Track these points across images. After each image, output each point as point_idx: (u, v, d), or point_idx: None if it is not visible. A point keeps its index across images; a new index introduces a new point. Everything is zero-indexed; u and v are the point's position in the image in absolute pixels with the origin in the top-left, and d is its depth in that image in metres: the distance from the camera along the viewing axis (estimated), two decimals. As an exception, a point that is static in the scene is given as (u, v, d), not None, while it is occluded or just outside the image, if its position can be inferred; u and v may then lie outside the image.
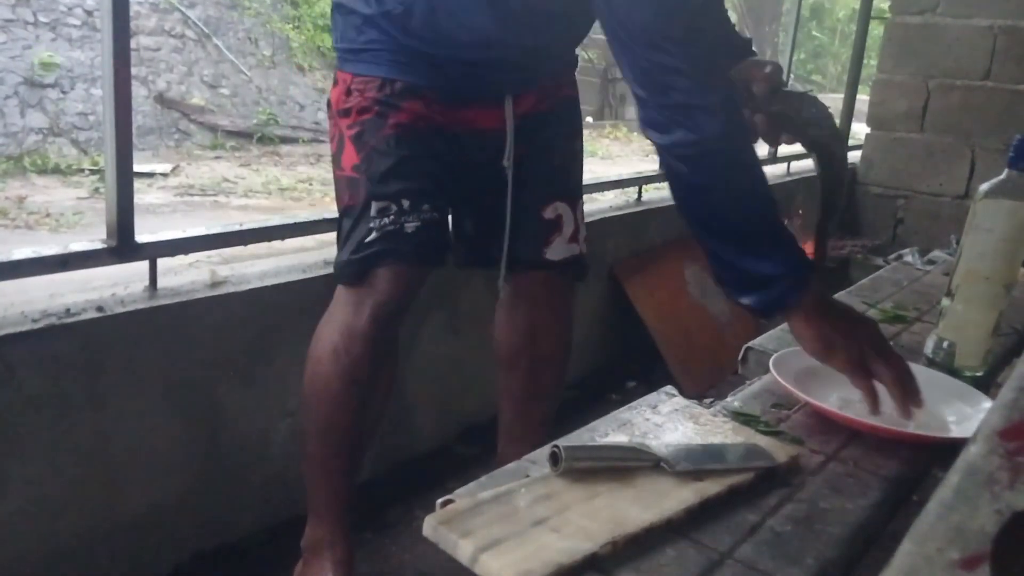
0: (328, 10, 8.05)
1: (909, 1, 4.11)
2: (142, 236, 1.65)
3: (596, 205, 2.91)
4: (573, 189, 1.64)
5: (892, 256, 3.87)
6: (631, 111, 14.09)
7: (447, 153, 1.46)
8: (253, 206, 5.70)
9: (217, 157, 7.14)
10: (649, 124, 1.11)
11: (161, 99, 7.43)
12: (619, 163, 9.23)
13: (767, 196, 1.12)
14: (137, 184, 1.65)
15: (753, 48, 1.37)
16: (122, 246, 1.61)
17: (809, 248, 1.32)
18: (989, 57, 3.94)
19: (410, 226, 1.39)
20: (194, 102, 7.63)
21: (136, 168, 1.65)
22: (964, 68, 4.00)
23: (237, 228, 1.84)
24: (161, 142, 7.21)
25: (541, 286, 1.62)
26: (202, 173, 6.50)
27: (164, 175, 6.21)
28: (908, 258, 3.82)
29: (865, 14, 4.45)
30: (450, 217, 1.55)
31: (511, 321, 1.66)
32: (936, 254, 3.69)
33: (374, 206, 1.39)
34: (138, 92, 7.09)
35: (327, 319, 1.47)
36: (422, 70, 1.40)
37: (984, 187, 1.32)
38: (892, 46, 4.18)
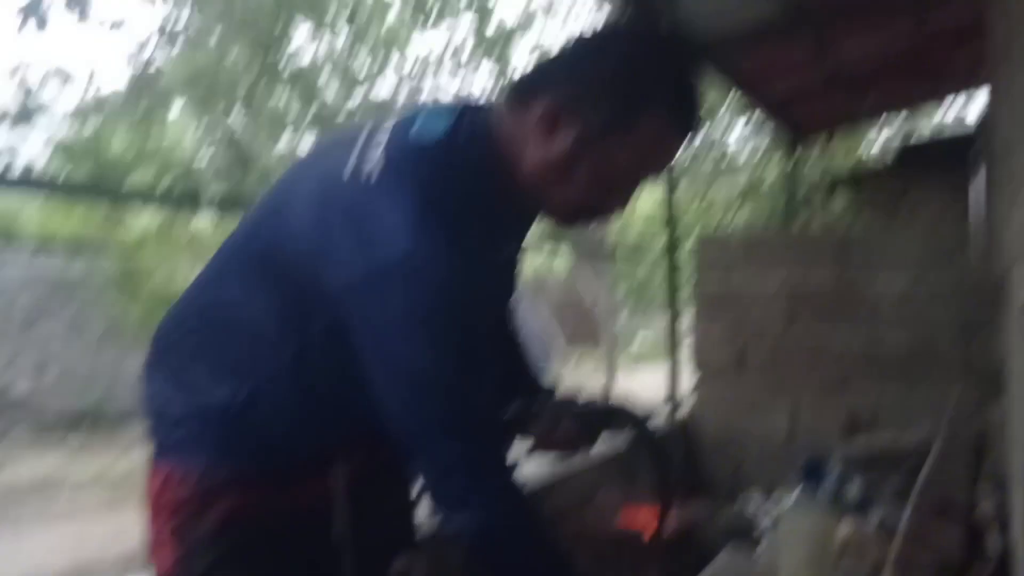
0: (160, 287, 7.95)
1: (708, 272, 4.55)
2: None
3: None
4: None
5: (737, 502, 4.03)
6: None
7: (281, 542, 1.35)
8: (80, 506, 5.30)
9: (42, 448, 6.69)
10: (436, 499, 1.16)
11: (-20, 392, 7.00)
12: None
13: None
14: None
15: (540, 383, 1.47)
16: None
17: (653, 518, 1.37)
18: (788, 314, 4.37)
19: None
20: (18, 392, 7.22)
21: None
22: (768, 326, 4.40)
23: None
24: (-22, 438, 6.71)
25: None
26: (24, 471, 6.05)
27: (-20, 479, 5.73)
28: (752, 503, 3.99)
29: (671, 276, 4.89)
30: None
31: None
32: (778, 494, 3.86)
33: None
34: (-47, 387, 6.67)
35: None
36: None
37: (785, 505, 1.43)
38: (702, 307, 4.58)
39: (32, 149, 11.37)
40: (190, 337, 1.31)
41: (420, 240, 1.09)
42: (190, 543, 1.28)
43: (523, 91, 1.22)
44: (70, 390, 7.61)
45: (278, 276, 1.22)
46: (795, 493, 1.48)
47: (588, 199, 1.21)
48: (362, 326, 1.14)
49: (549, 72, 1.21)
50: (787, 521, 1.37)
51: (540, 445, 1.38)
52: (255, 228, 1.30)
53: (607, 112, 1.14)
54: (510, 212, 1.29)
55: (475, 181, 1.20)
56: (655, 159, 1.21)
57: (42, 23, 9.78)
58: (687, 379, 4.69)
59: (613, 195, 1.22)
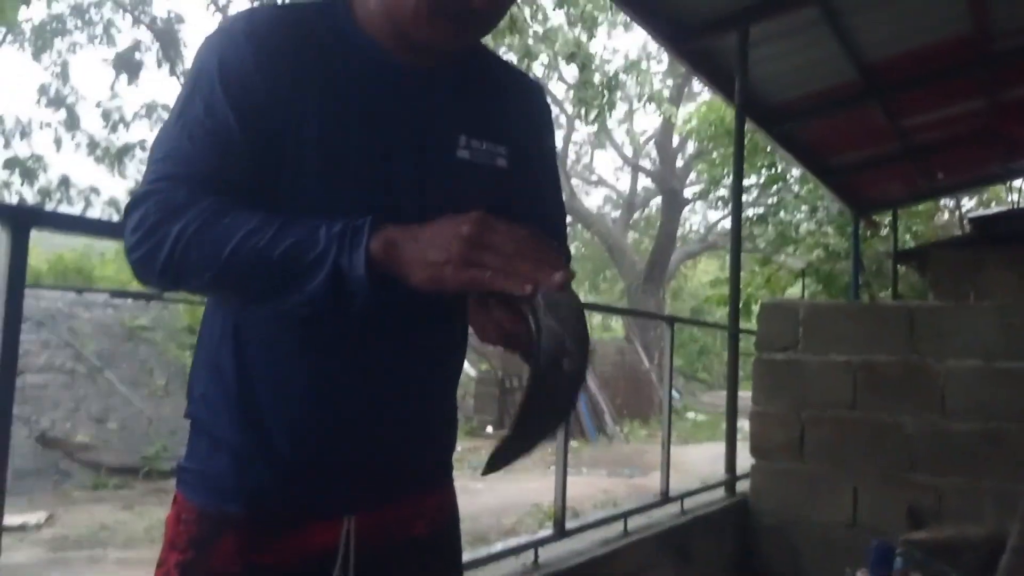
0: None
1: (772, 339, 4.44)
2: None
3: (488, 576, 2.80)
4: None
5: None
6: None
7: None
8: (134, 559, 5.33)
9: (98, 499, 6.78)
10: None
11: (43, 439, 7.16)
12: (522, 478, 9.15)
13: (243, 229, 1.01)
14: (6, 539, 1.49)
15: None
16: None
17: None
18: (852, 388, 4.22)
19: None
20: (78, 440, 7.37)
21: (7, 521, 1.51)
22: (830, 399, 4.26)
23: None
24: (38, 484, 6.83)
25: None
26: (79, 521, 6.13)
27: (37, 526, 5.81)
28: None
29: (733, 350, 4.78)
30: None
31: None
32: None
33: None
34: (19, 432, 6.82)
35: None
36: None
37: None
38: (762, 381, 4.45)
39: (119, 189, 11.95)
40: (192, 369, 1.28)
41: (223, 30, 1.13)
42: None
43: None
44: (129, 442, 7.73)
45: None
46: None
47: None
48: None
49: None
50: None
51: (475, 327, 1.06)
52: None
53: None
54: (397, 67, 1.17)
55: (326, 24, 1.15)
56: None
57: (134, 77, 10.29)
58: (745, 456, 4.55)
59: None
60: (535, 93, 1.34)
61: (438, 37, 1.12)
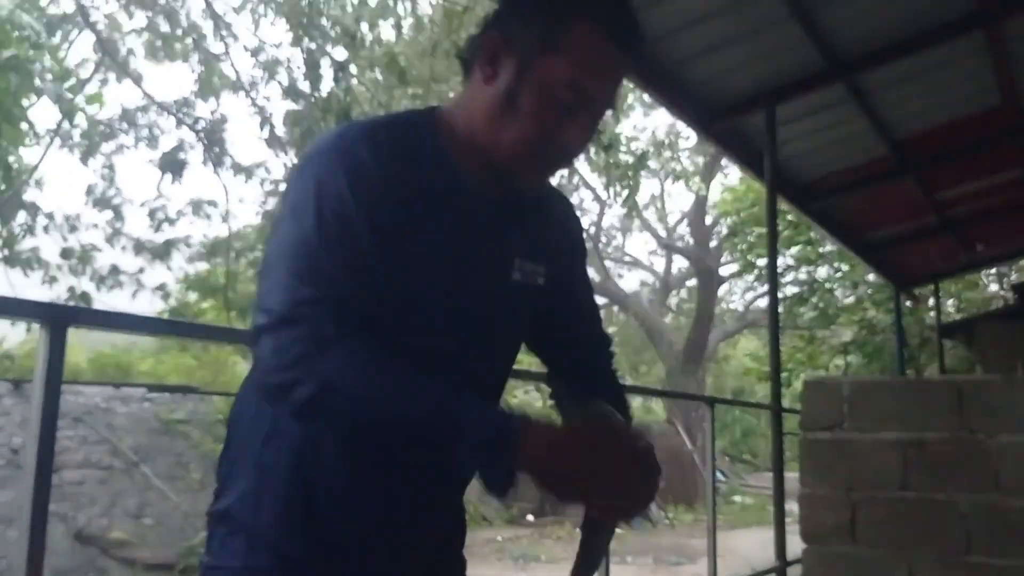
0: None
1: (816, 418, 4.31)
2: None
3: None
4: None
5: None
6: (572, 507, 14.03)
7: None
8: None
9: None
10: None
11: (79, 536, 7.13)
12: (566, 568, 8.90)
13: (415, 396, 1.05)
14: None
15: None
16: None
17: None
18: (902, 467, 4.06)
19: None
20: (114, 536, 7.33)
21: None
22: (881, 479, 4.09)
23: None
24: (74, 584, 6.78)
25: None
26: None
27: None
28: None
29: (777, 430, 4.65)
30: None
31: None
32: None
33: None
34: (56, 530, 6.81)
35: None
36: None
37: None
38: (808, 461, 4.30)
39: (164, 278, 12.30)
40: (228, 442, 1.30)
41: (336, 143, 1.15)
42: None
43: (468, 53, 1.24)
44: (165, 537, 7.68)
45: None
46: None
47: (541, 131, 1.17)
48: (280, 208, 1.16)
49: (484, 23, 1.23)
50: None
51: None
52: None
53: (536, 31, 1.16)
54: (475, 191, 1.23)
55: (418, 142, 1.20)
56: (593, 72, 1.17)
57: (178, 175, 10.64)
58: (795, 541, 4.36)
59: (565, 127, 1.18)
60: (570, 209, 1.45)
61: (530, 176, 1.24)
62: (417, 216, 1.16)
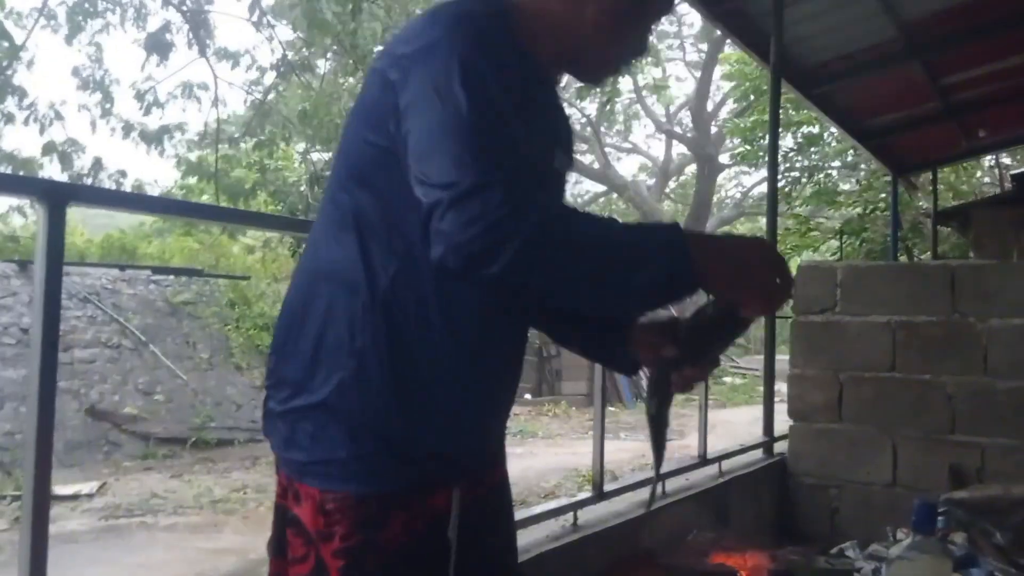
0: (266, 309, 8.32)
1: (809, 302, 4.41)
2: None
3: (531, 537, 2.85)
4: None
5: (834, 551, 3.87)
6: (568, 386, 14.41)
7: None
8: (183, 524, 5.49)
9: (148, 468, 6.97)
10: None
11: (92, 411, 7.36)
12: (561, 443, 9.25)
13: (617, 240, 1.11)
14: (60, 508, 1.58)
15: None
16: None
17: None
18: (891, 350, 4.19)
19: None
20: (126, 411, 7.57)
21: (60, 490, 1.59)
22: (870, 361, 4.23)
23: None
24: (89, 456, 7.04)
25: None
26: (130, 489, 6.31)
27: (89, 496, 6.00)
28: (849, 552, 3.83)
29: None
30: None
31: None
32: (875, 548, 3.71)
33: None
34: (69, 406, 7.02)
35: None
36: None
37: (894, 551, 1.36)
38: (800, 343, 4.43)
39: (159, 170, 12.09)
40: (294, 335, 1.27)
41: (467, 23, 1.16)
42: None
43: None
44: (176, 413, 7.92)
45: (360, 185, 1.23)
46: (908, 538, 1.41)
47: (632, 50, 1.32)
48: (414, 88, 1.14)
49: None
50: (901, 567, 1.31)
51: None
52: (332, 186, 1.31)
53: None
54: (547, 81, 1.34)
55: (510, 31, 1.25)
56: None
57: (164, 56, 10.42)
58: (783, 419, 4.54)
59: (634, 38, 1.32)
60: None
61: (603, 77, 1.37)
62: (527, 101, 1.21)
